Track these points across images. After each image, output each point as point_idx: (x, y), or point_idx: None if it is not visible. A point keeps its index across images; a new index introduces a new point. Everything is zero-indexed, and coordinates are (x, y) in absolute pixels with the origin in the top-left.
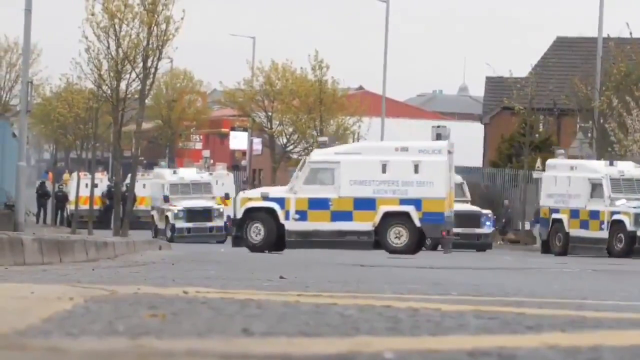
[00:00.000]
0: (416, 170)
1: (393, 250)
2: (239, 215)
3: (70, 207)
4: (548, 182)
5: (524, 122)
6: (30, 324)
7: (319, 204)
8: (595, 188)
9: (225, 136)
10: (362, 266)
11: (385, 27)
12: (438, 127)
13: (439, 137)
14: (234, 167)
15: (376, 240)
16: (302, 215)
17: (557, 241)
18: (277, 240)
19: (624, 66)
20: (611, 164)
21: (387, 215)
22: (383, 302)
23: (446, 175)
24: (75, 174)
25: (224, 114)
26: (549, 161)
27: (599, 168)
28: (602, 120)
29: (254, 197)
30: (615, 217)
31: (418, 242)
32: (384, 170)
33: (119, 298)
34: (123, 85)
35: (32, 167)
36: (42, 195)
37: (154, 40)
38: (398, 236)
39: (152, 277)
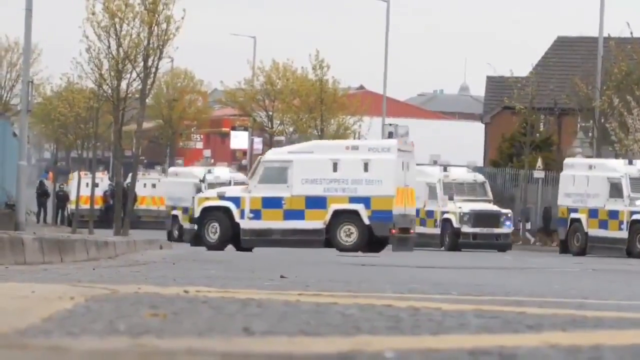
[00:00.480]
0: (366, 169)
1: (343, 249)
2: (197, 214)
3: (71, 206)
4: (566, 181)
5: (525, 121)
6: (31, 323)
7: (272, 202)
8: (615, 187)
9: (226, 136)
10: (363, 265)
11: (386, 27)
12: (390, 125)
13: (390, 135)
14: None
15: (327, 238)
16: (257, 214)
17: (575, 241)
18: (233, 239)
19: (625, 66)
20: (630, 163)
21: (337, 214)
22: (384, 301)
23: (396, 173)
24: (76, 174)
25: (224, 114)
26: (567, 160)
27: (618, 167)
28: (602, 120)
29: (211, 196)
30: (635, 216)
31: (368, 240)
32: (335, 169)
33: (120, 297)
34: (124, 84)
35: (32, 166)
36: (41, 194)
37: (155, 39)
38: (348, 234)
39: (152, 277)
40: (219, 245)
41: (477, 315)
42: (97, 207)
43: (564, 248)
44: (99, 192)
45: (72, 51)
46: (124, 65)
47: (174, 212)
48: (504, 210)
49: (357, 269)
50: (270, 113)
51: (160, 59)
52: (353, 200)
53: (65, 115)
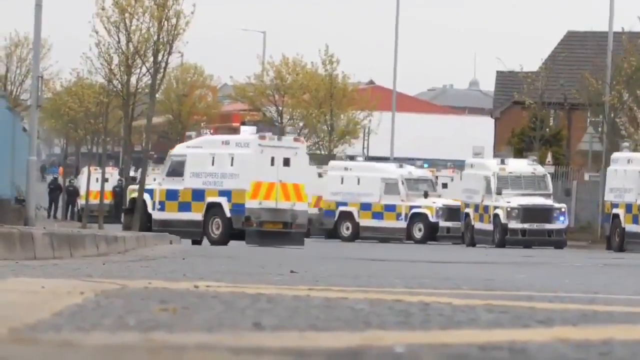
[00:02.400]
0: (231, 163)
1: (213, 241)
2: (127, 205)
3: (81, 201)
4: (610, 176)
5: (535, 116)
6: (41, 318)
7: (172, 195)
8: None
9: (236, 130)
10: (372, 260)
11: (396, 22)
12: (286, 123)
13: (282, 131)
14: None
15: (203, 230)
16: (162, 206)
17: (616, 237)
18: (148, 229)
19: (635, 60)
20: None
21: (210, 207)
22: (394, 296)
23: (257, 168)
24: (85, 169)
25: (234, 109)
26: (614, 155)
27: None
28: (612, 115)
29: (137, 188)
30: None
31: (230, 232)
32: (212, 163)
33: (130, 292)
34: (133, 79)
35: (42, 161)
36: (54, 189)
37: (165, 34)
38: (217, 227)
39: (162, 272)
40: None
41: (488, 310)
42: (106, 202)
43: (609, 244)
44: (108, 187)
45: (82, 46)
46: (133, 60)
47: None
48: (557, 205)
49: (366, 264)
50: (280, 108)
51: (170, 54)
52: (221, 193)
53: (75, 111)
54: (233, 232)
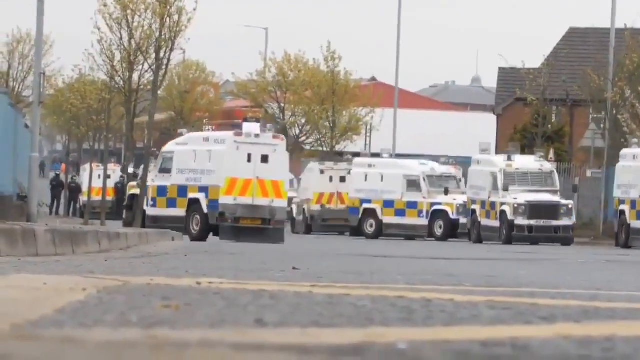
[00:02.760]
0: (209, 159)
1: (193, 238)
2: (127, 201)
3: (83, 198)
4: (619, 172)
5: (537, 113)
6: (43, 314)
7: (162, 191)
8: None
9: (238, 127)
10: (375, 257)
11: (398, 18)
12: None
13: (264, 126)
14: None
15: (185, 226)
16: (154, 202)
17: (622, 233)
18: (144, 225)
19: (637, 57)
20: None
21: (191, 203)
22: (396, 292)
23: (233, 164)
24: (87, 165)
25: (236, 105)
26: (623, 151)
27: None
28: (614, 111)
29: (136, 184)
30: None
31: (208, 228)
32: (194, 160)
33: (132, 289)
34: (135, 76)
35: (44, 158)
36: (56, 186)
37: (167, 31)
38: (197, 223)
39: (164, 268)
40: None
41: (490, 306)
42: (109, 198)
43: (617, 240)
44: (110, 183)
45: (84, 43)
46: (135, 57)
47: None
48: (564, 202)
49: (369, 261)
50: (282, 105)
51: (172, 50)
52: (200, 189)
53: (77, 107)
54: (211, 228)
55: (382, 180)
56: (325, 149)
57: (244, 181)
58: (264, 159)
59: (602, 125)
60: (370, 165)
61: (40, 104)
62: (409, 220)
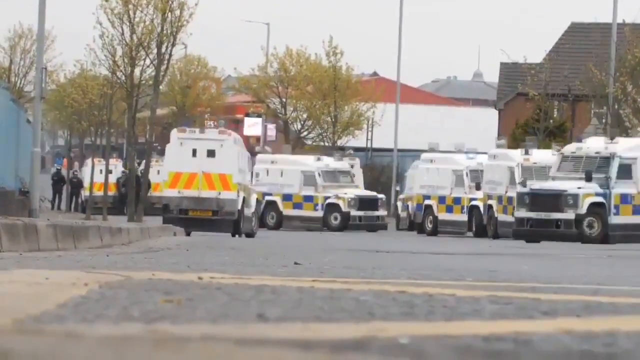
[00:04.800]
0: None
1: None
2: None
3: (85, 193)
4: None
5: (539, 108)
6: (45, 309)
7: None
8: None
9: (240, 122)
10: (377, 252)
11: (400, 13)
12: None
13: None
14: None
15: None
16: None
17: None
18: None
19: (639, 52)
20: None
21: None
22: (398, 287)
23: (173, 159)
24: (89, 160)
25: (238, 100)
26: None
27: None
28: (616, 106)
29: None
30: None
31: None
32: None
33: (134, 284)
34: (137, 71)
35: (46, 153)
36: (58, 181)
37: (168, 26)
38: None
39: (166, 263)
40: None
41: (492, 301)
42: (110, 193)
43: None
44: (112, 178)
45: (86, 38)
46: (137, 52)
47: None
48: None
49: (370, 256)
50: (284, 99)
51: (173, 45)
52: None
53: (79, 102)
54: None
55: (438, 175)
56: (326, 143)
57: (188, 175)
58: (210, 153)
59: (603, 120)
60: (432, 161)
61: (42, 99)
62: (456, 216)
